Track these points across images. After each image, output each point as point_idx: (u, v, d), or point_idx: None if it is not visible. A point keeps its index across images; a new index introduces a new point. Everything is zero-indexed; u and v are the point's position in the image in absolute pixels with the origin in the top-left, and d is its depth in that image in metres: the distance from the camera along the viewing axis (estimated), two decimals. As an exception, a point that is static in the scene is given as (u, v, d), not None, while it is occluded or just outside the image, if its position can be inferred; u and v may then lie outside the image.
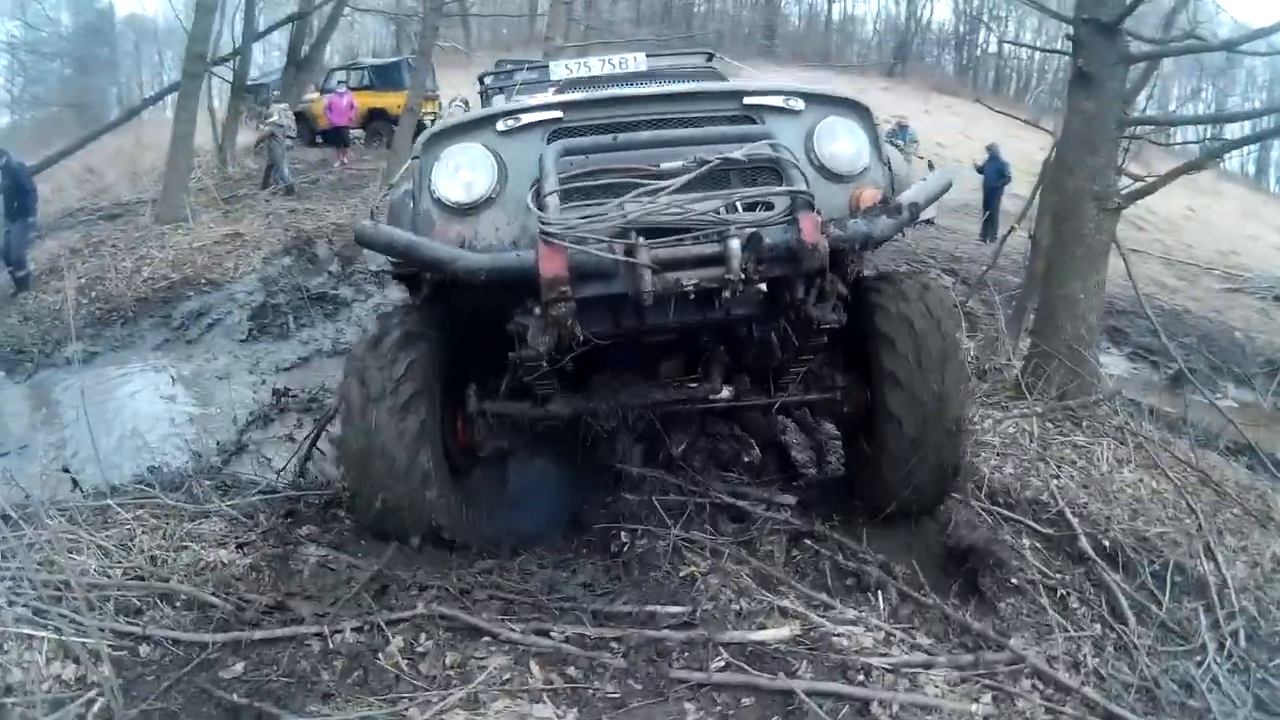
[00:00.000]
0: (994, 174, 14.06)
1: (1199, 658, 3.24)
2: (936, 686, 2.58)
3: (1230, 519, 4.88)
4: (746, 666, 2.42)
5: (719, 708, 2.27)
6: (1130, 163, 6.79)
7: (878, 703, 2.38)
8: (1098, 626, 3.28)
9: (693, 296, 2.73)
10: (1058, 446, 5.41)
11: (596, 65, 4.83)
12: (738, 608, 2.75)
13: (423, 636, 2.62)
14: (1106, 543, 4.04)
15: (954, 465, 3.41)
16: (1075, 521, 4.12)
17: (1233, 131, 8.01)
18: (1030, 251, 7.88)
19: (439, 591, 2.84)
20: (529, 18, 29.52)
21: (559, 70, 4.85)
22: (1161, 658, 3.21)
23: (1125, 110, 6.17)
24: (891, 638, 2.78)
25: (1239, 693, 3.12)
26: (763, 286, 2.88)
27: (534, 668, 2.38)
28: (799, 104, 3.04)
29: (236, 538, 3.31)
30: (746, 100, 3.03)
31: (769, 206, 2.79)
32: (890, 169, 3.16)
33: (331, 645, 2.58)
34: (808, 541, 3.35)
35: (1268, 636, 3.63)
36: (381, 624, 2.63)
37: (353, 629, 2.62)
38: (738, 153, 2.76)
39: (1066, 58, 6.59)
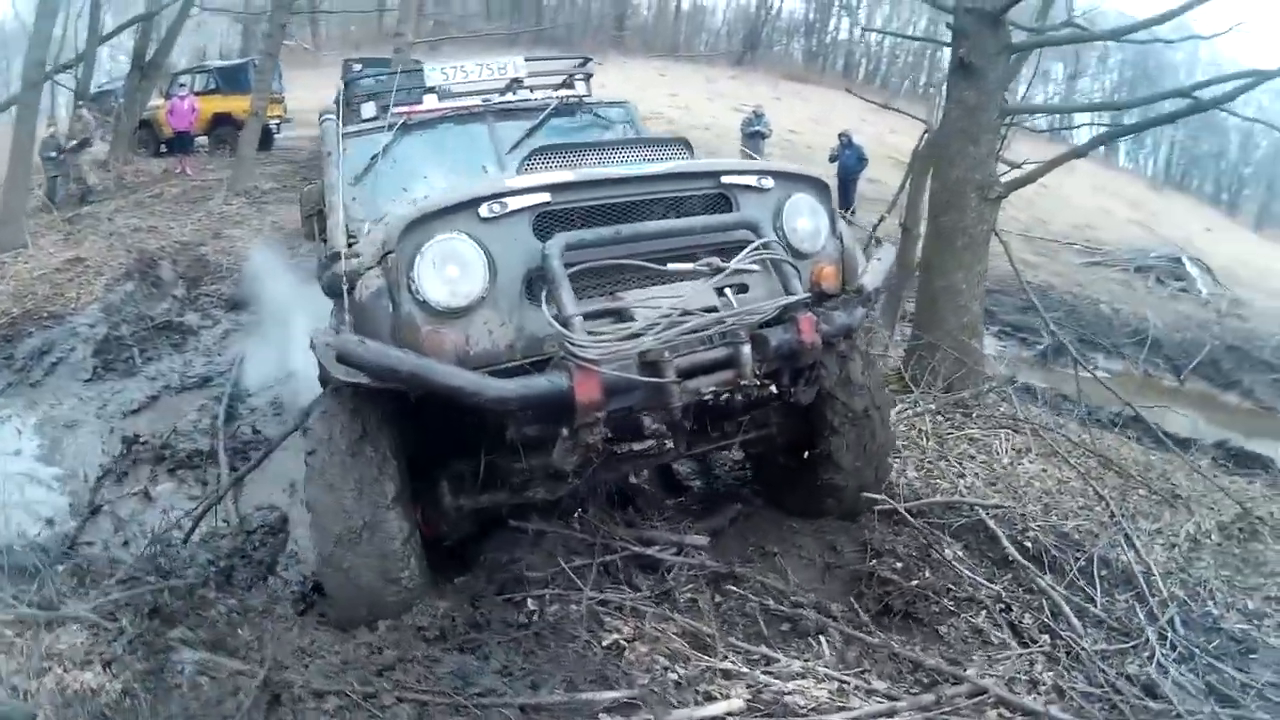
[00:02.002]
0: (853, 160, 14.30)
1: (1146, 653, 3.18)
2: None
3: (1139, 501, 4.95)
4: None
5: None
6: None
7: None
8: (1046, 637, 3.17)
9: (709, 400, 2.83)
10: (954, 441, 5.39)
11: (473, 69, 4.78)
12: (675, 676, 2.44)
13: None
14: (1029, 544, 3.98)
15: (882, 481, 3.89)
16: (994, 525, 4.01)
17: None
18: (901, 240, 7.92)
19: (340, 699, 2.44)
20: (377, 14, 28.39)
21: (434, 75, 4.70)
22: (1112, 659, 3.13)
23: (1005, 100, 6.16)
24: (845, 686, 2.58)
25: (1191, 682, 3.06)
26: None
27: None
28: (769, 182, 3.13)
29: (100, 653, 2.80)
30: (724, 179, 3.06)
31: (743, 286, 2.93)
32: (843, 242, 3.31)
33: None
34: (729, 586, 3.11)
35: (1201, 618, 3.63)
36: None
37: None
38: (747, 262, 2.83)
39: (920, 44, 6.65)
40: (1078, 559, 3.87)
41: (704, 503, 3.90)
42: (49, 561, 3.89)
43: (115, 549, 4.85)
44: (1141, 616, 3.46)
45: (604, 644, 2.63)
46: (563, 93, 4.92)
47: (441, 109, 4.62)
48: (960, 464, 5.00)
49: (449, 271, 2.62)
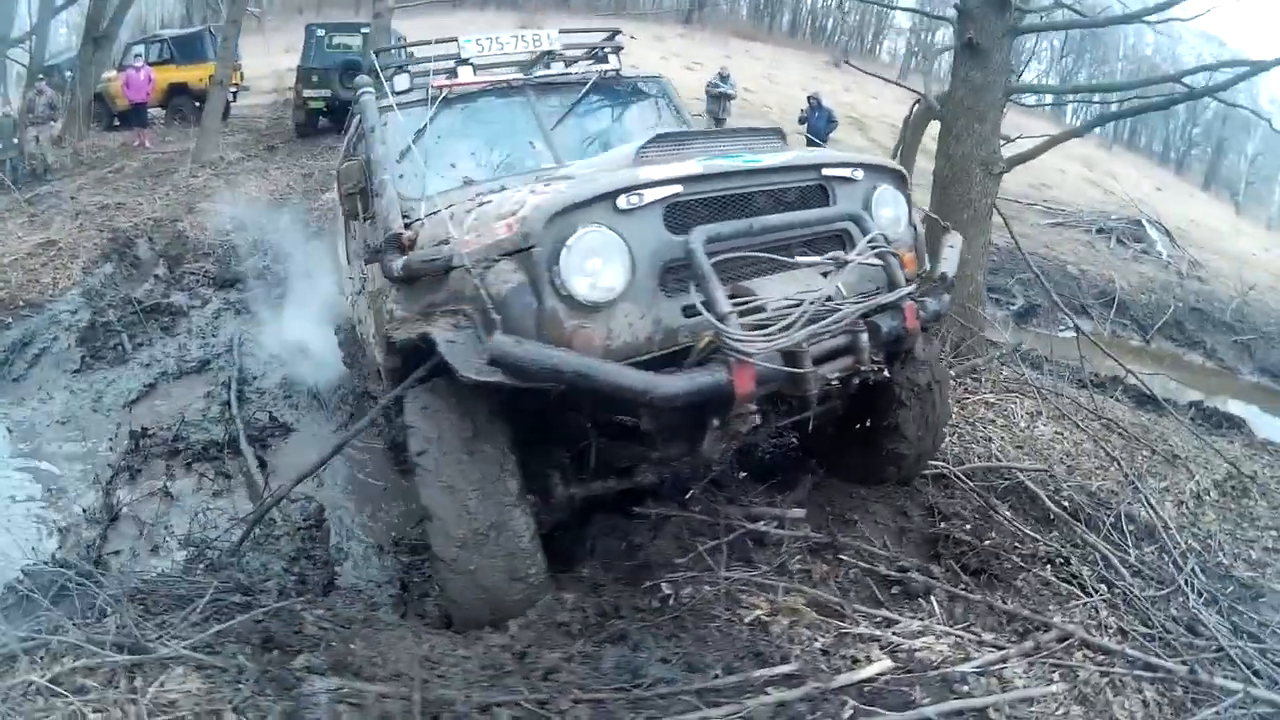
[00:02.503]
0: (822, 122, 14.45)
1: (1180, 598, 3.48)
2: (1020, 678, 2.65)
3: (1143, 461, 5.32)
4: (875, 709, 2.32)
5: None
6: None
7: (993, 708, 2.42)
8: (1103, 586, 3.43)
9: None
10: (973, 407, 5.66)
11: (508, 40, 4.65)
12: (819, 645, 2.63)
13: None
14: (1065, 503, 4.26)
15: (938, 449, 4.17)
16: (1033, 486, 4.31)
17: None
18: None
19: (513, 710, 2.36)
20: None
21: (469, 47, 4.51)
22: (1157, 604, 3.41)
23: (1009, 80, 6.41)
24: (960, 640, 2.79)
25: (1218, 623, 3.35)
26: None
27: None
28: (860, 174, 3.24)
29: (228, 700, 2.38)
30: (824, 171, 3.17)
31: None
32: (916, 230, 3.44)
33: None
34: (831, 555, 3.29)
35: (1215, 568, 3.98)
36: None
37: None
38: (866, 256, 2.95)
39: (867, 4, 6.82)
40: (1107, 515, 4.16)
41: (767, 476, 3.97)
42: (118, 594, 3.15)
43: (146, 557, 4.46)
44: (1171, 566, 3.75)
45: (746, 621, 2.76)
46: (599, 67, 4.82)
47: (479, 82, 4.48)
48: (984, 428, 5.29)
49: (593, 265, 2.60)
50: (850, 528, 3.58)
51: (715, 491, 3.50)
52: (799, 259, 2.94)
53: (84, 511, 4.91)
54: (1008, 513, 4.05)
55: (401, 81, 4.36)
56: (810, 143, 15.05)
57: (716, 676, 2.45)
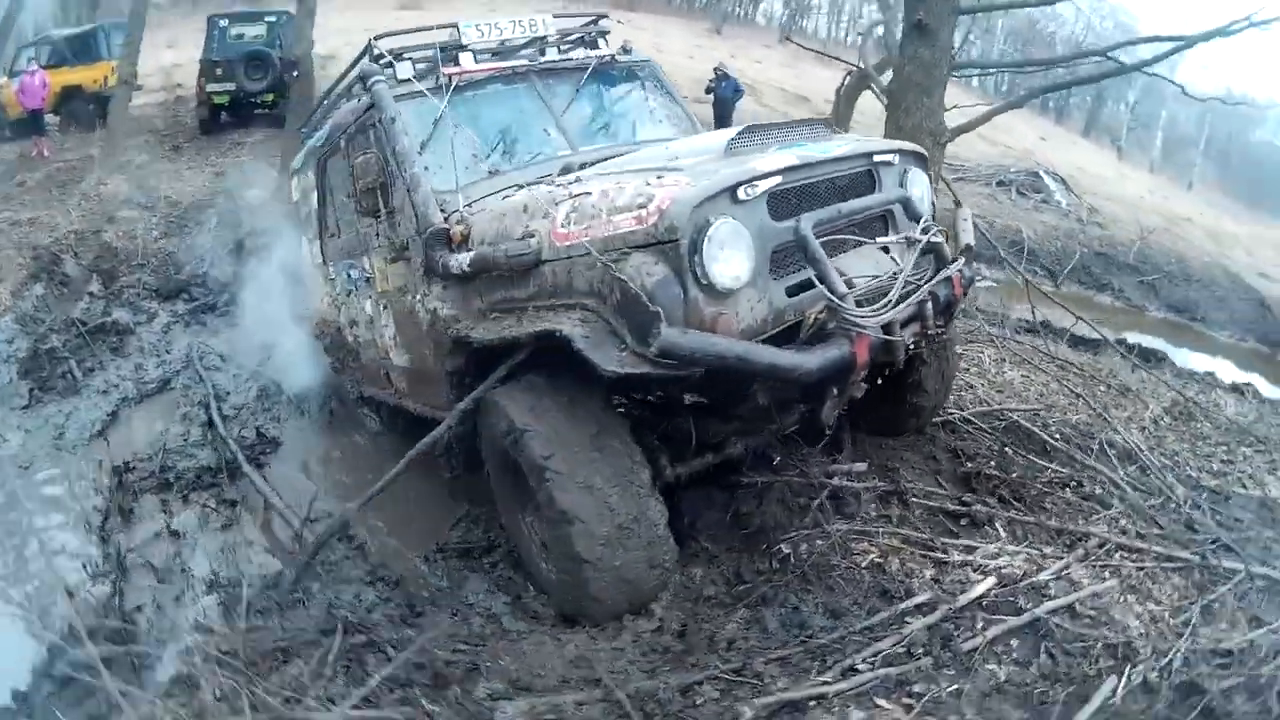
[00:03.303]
0: (729, 91, 14.73)
1: (1172, 505, 4.00)
2: (1084, 579, 3.09)
3: (1104, 395, 5.92)
4: (999, 617, 2.72)
5: (1014, 654, 2.59)
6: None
7: (1078, 603, 2.88)
8: (1115, 500, 3.92)
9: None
10: (949, 358, 6.17)
11: (506, 26, 4.62)
12: (929, 575, 2.99)
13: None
14: (1057, 436, 4.76)
15: (947, 400, 4.61)
16: (1027, 424, 4.78)
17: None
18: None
19: (714, 684, 2.52)
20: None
21: (470, 33, 4.45)
22: (1157, 511, 3.90)
23: (953, 57, 6.90)
24: (1030, 556, 3.22)
25: (1207, 522, 3.87)
26: None
27: (883, 703, 2.39)
28: (896, 159, 3.53)
29: None
30: (875, 158, 3.43)
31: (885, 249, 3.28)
32: (934, 204, 3.74)
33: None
34: (895, 500, 3.65)
35: (1187, 479, 4.52)
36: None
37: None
38: (930, 235, 3.28)
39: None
40: (1092, 444, 4.67)
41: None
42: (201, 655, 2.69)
43: (172, 608, 3.96)
44: (1155, 480, 4.27)
45: (863, 566, 3.07)
46: (595, 52, 4.85)
47: (486, 69, 4.41)
48: (963, 377, 5.76)
49: (727, 254, 2.72)
50: (890, 474, 3.90)
51: (795, 456, 3.76)
52: (880, 240, 3.23)
53: (86, 567, 4.34)
54: (1012, 448, 4.53)
55: (404, 69, 4.24)
56: (721, 116, 15.40)
57: (867, 616, 2.76)
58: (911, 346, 3.17)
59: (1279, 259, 19.47)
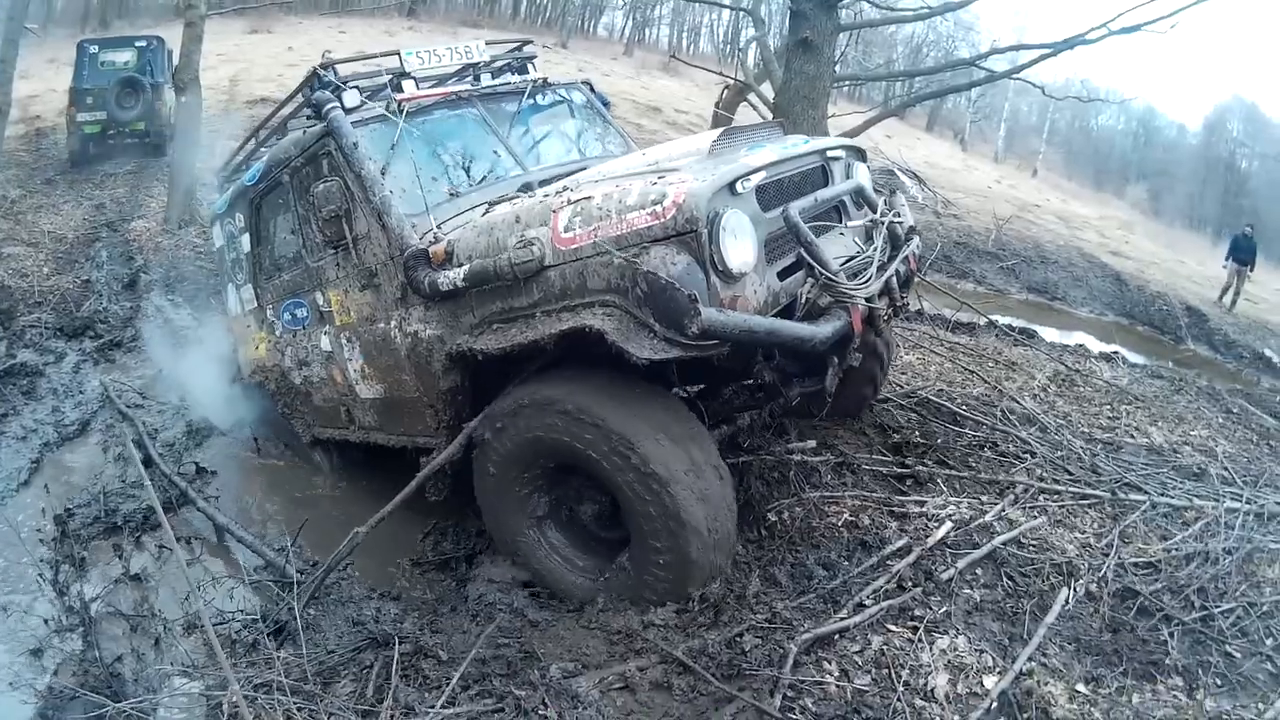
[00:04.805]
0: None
1: (1075, 455, 4.66)
2: (1020, 518, 3.68)
3: (993, 370, 6.67)
4: (964, 551, 3.30)
5: (982, 578, 3.14)
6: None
7: (1022, 534, 3.48)
8: (1027, 456, 4.57)
9: None
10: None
11: (444, 53, 4.70)
12: (896, 526, 3.50)
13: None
14: (964, 408, 5.41)
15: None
16: (936, 400, 5.41)
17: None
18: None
19: (756, 630, 2.93)
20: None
21: (410, 60, 4.53)
22: (1066, 460, 4.57)
23: (835, 70, 7.60)
24: (971, 504, 3.80)
25: (1108, 465, 4.58)
26: None
27: (893, 627, 2.89)
28: (843, 154, 4.01)
29: None
30: (827, 154, 3.88)
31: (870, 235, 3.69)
32: None
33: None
34: (845, 469, 4.17)
35: (1080, 434, 5.21)
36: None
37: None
38: (892, 215, 3.71)
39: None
40: (994, 411, 5.35)
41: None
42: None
43: (153, 655, 3.84)
44: (1055, 436, 4.97)
45: (840, 525, 3.55)
46: (529, 76, 5.08)
47: (431, 94, 4.51)
48: (869, 364, 6.41)
49: (739, 241, 2.96)
50: (835, 448, 4.41)
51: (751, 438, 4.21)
52: (849, 223, 3.75)
53: (48, 622, 4.07)
54: (934, 420, 5.14)
55: (351, 98, 4.26)
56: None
57: (857, 564, 3.25)
58: (886, 318, 3.57)
59: (1128, 237, 21.60)
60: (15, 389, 7.24)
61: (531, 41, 5.58)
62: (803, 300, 3.21)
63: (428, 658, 3.09)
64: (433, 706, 2.72)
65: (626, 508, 3.14)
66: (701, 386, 3.85)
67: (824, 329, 3.06)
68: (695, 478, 3.05)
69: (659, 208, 2.97)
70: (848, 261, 3.46)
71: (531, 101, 4.94)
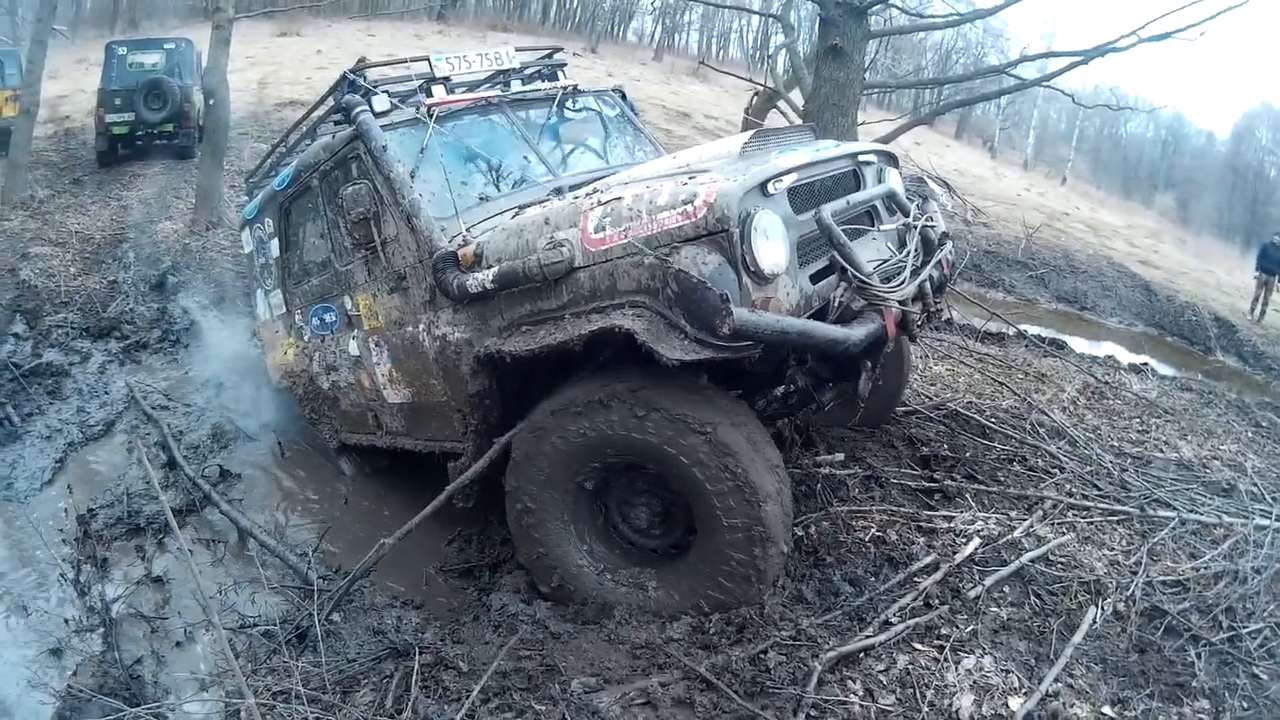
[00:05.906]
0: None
1: (1105, 469, 4.60)
2: (1048, 535, 3.62)
3: (1022, 382, 6.59)
4: (991, 568, 3.24)
5: (1009, 596, 3.09)
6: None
7: (1050, 551, 3.42)
8: (1056, 471, 4.50)
9: None
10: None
11: (474, 59, 4.71)
12: (922, 540, 3.45)
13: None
14: (993, 420, 5.34)
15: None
16: (966, 412, 5.34)
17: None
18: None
19: (781, 647, 2.89)
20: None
21: (441, 66, 4.55)
22: (1095, 476, 4.50)
23: (865, 77, 7.56)
24: (1000, 520, 3.74)
25: (1137, 480, 4.52)
26: None
27: (919, 646, 2.86)
28: (875, 158, 3.96)
29: None
30: (859, 158, 3.84)
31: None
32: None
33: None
34: (874, 483, 4.12)
35: (1110, 449, 5.14)
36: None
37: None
38: (925, 220, 3.71)
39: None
40: (1024, 424, 5.28)
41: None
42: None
43: (173, 658, 3.86)
44: (1085, 450, 4.89)
45: (867, 539, 3.50)
46: (560, 83, 5.04)
47: (461, 100, 4.50)
48: (899, 375, 6.35)
49: (770, 242, 2.90)
50: (863, 461, 4.36)
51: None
52: (882, 226, 3.69)
53: (69, 622, 4.08)
54: (963, 433, 5.07)
55: (381, 102, 4.24)
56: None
57: (884, 580, 3.20)
58: (920, 323, 3.46)
59: (1157, 246, 21.33)
60: (41, 388, 7.36)
61: (561, 49, 5.56)
62: (835, 304, 3.15)
63: (448, 669, 3.07)
64: (453, 719, 2.69)
65: (696, 493, 3.06)
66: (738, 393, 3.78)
67: (857, 332, 3.00)
68: (757, 452, 3.04)
69: (690, 207, 2.94)
70: (880, 265, 3.43)
71: (562, 109, 4.93)
